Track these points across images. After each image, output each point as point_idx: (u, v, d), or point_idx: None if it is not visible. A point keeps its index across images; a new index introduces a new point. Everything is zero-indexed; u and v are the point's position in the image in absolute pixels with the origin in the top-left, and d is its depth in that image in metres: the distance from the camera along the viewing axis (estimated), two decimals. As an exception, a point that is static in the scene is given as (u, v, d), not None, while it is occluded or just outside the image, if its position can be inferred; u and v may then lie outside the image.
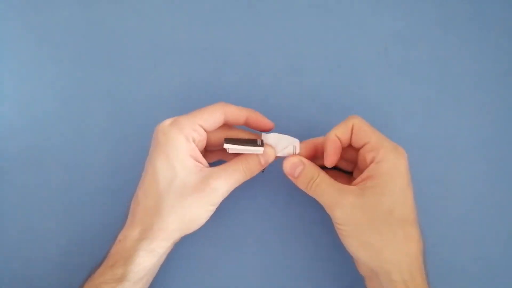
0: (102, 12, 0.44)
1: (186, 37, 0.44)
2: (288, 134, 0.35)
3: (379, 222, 0.31)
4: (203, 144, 0.35)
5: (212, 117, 0.34)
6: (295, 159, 0.34)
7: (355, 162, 0.37)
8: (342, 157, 0.36)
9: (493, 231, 0.40)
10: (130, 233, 0.32)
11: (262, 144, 0.34)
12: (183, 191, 0.32)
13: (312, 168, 0.34)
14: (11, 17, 0.44)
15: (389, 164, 0.31)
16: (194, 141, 0.33)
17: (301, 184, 0.34)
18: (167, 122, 0.33)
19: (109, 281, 0.31)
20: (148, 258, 0.32)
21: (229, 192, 0.34)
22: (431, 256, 0.40)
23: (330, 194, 0.32)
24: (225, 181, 0.33)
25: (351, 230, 0.32)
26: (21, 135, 0.42)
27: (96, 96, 0.43)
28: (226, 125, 0.36)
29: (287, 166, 0.34)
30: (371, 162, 0.32)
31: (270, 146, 0.35)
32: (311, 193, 0.33)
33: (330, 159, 0.34)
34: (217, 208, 0.34)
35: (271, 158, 0.35)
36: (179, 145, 0.32)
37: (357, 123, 0.33)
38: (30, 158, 0.41)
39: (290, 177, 0.34)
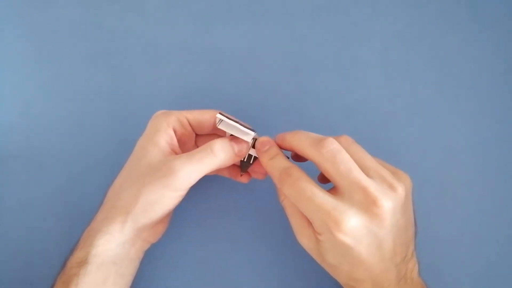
0: (102, 12, 0.44)
1: (186, 37, 0.44)
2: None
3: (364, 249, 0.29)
4: (187, 140, 0.35)
5: (201, 116, 0.34)
6: (265, 138, 0.33)
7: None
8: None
9: (493, 231, 0.40)
10: (96, 215, 0.33)
11: (255, 131, 0.33)
12: (146, 171, 0.31)
13: (297, 173, 0.31)
14: (11, 17, 0.44)
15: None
16: (175, 131, 0.33)
17: (272, 174, 0.32)
18: (162, 110, 0.35)
19: (74, 265, 0.30)
20: (106, 240, 0.31)
21: (195, 178, 0.32)
22: (431, 256, 0.40)
23: (314, 203, 0.29)
24: (188, 165, 0.31)
25: (327, 250, 0.30)
26: (21, 135, 0.42)
27: (96, 96, 0.43)
28: (216, 135, 0.36)
29: (257, 143, 0.33)
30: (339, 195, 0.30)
31: (246, 142, 0.33)
32: (293, 196, 0.31)
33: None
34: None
35: (244, 149, 0.33)
36: (158, 129, 0.33)
37: (320, 163, 0.30)
38: (30, 158, 0.41)
39: (258, 154, 0.33)
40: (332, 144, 0.30)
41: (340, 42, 0.43)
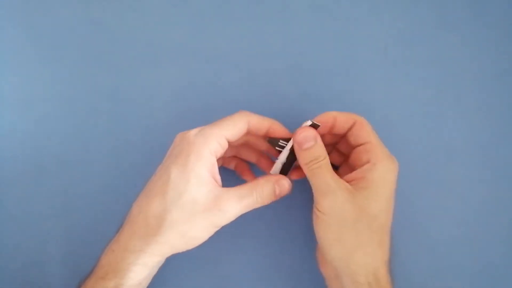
0: (102, 12, 0.44)
1: (186, 37, 0.44)
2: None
3: (361, 224, 0.31)
4: (221, 155, 0.34)
5: (236, 128, 0.33)
6: (310, 133, 0.33)
7: (345, 156, 0.37)
8: (335, 147, 0.37)
9: (493, 232, 0.40)
10: (125, 243, 0.31)
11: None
12: (191, 207, 0.30)
13: (321, 148, 0.33)
14: (11, 17, 0.44)
15: (383, 170, 0.32)
16: (216, 155, 0.32)
17: (303, 159, 0.33)
18: (194, 131, 0.32)
19: None
20: (141, 271, 0.31)
21: (237, 216, 0.32)
22: (431, 257, 0.40)
23: (327, 181, 0.32)
24: (235, 205, 0.31)
25: (332, 223, 0.31)
26: (22, 135, 0.42)
27: (96, 96, 0.43)
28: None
29: (299, 135, 0.33)
30: (366, 162, 0.32)
31: (287, 179, 0.34)
32: (308, 172, 0.33)
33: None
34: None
35: (285, 190, 0.34)
36: (201, 158, 0.31)
37: (360, 121, 0.34)
38: (30, 158, 0.41)
39: (297, 146, 0.33)
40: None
41: (340, 42, 0.43)
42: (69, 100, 0.43)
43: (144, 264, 0.31)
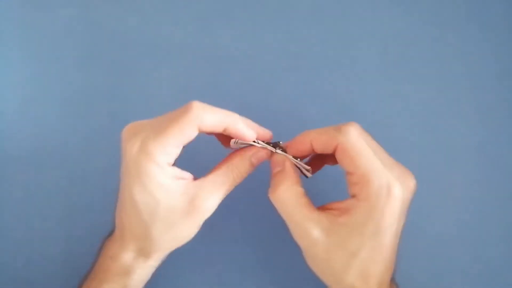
0: (102, 12, 0.44)
1: (186, 37, 0.44)
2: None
3: (337, 262, 0.28)
4: (178, 155, 0.30)
5: (184, 135, 0.28)
6: (279, 158, 0.31)
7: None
8: (325, 162, 0.33)
9: (493, 232, 0.40)
10: (122, 252, 0.31)
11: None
12: (170, 217, 0.29)
13: (286, 177, 0.30)
14: (11, 17, 0.44)
15: (369, 207, 0.27)
16: (169, 164, 0.29)
17: (270, 186, 0.30)
18: (134, 148, 0.28)
19: None
20: (144, 271, 0.32)
21: (219, 203, 0.31)
22: (431, 256, 0.40)
23: (295, 218, 0.29)
24: (215, 196, 0.30)
25: (309, 258, 0.30)
26: (21, 135, 0.42)
27: (96, 96, 0.43)
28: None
29: (271, 161, 0.31)
30: (353, 196, 0.28)
31: (261, 150, 0.31)
32: (274, 203, 0.30)
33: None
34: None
35: (262, 158, 0.32)
36: (153, 174, 0.28)
37: (342, 145, 0.28)
38: (30, 158, 0.41)
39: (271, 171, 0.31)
40: (353, 126, 0.28)
41: (340, 42, 0.43)
42: (69, 100, 0.43)
43: (146, 266, 0.31)
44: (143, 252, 0.30)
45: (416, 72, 0.43)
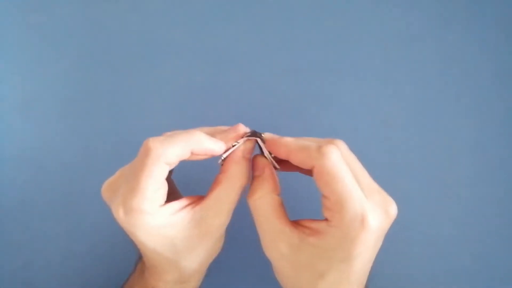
0: (102, 12, 0.44)
1: (186, 37, 0.44)
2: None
3: (304, 280, 0.27)
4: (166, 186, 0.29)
5: (155, 178, 0.27)
6: (260, 162, 0.30)
7: None
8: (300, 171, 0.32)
9: (493, 232, 0.40)
10: (160, 283, 0.31)
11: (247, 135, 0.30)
12: (191, 245, 0.29)
13: (262, 183, 0.29)
14: (11, 17, 0.44)
15: (339, 235, 0.26)
16: (160, 205, 0.28)
17: (249, 189, 0.30)
18: (121, 214, 0.27)
19: None
20: None
21: (231, 214, 0.30)
22: (431, 256, 0.40)
23: (262, 227, 0.28)
24: (222, 212, 0.29)
25: (277, 271, 0.29)
26: (21, 135, 0.42)
27: (96, 96, 0.43)
28: None
29: (253, 162, 0.31)
30: (325, 219, 0.27)
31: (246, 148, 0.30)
32: (249, 206, 0.29)
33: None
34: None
35: (251, 145, 0.30)
36: (152, 223, 0.27)
37: (319, 168, 0.26)
38: (30, 158, 0.41)
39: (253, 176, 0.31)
40: (335, 150, 0.27)
41: (340, 42, 0.43)
42: (69, 100, 0.43)
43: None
44: (183, 279, 0.31)
45: (416, 72, 0.43)
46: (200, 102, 0.42)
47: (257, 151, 0.32)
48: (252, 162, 0.31)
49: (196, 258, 0.30)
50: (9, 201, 0.41)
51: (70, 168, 0.41)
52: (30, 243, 0.40)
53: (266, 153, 0.30)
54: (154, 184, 0.27)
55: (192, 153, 0.28)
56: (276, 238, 0.28)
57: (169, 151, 0.27)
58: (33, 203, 0.41)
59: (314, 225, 0.27)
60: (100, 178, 0.41)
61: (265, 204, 0.28)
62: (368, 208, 0.25)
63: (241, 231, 0.40)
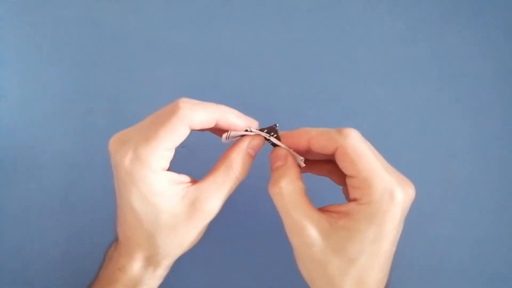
0: (102, 12, 0.44)
1: (186, 37, 0.44)
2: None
3: (334, 267, 0.27)
4: (172, 158, 0.29)
5: (175, 136, 0.27)
6: (281, 152, 0.30)
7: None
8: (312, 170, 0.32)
9: (493, 231, 0.40)
10: (130, 263, 0.30)
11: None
12: (173, 223, 0.28)
13: (287, 172, 0.29)
14: (11, 17, 0.44)
15: (371, 211, 0.26)
16: (164, 169, 0.28)
17: (270, 181, 0.29)
18: (127, 158, 0.27)
19: None
20: (153, 281, 0.31)
21: (223, 203, 0.30)
22: (431, 256, 0.40)
23: (293, 215, 0.27)
24: (216, 198, 0.29)
25: (303, 260, 0.29)
26: (21, 135, 0.42)
27: (96, 96, 0.43)
28: None
29: (271, 154, 0.30)
30: (354, 200, 0.27)
31: (254, 137, 0.30)
32: (273, 199, 0.29)
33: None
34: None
35: (259, 146, 0.30)
36: (150, 182, 0.27)
37: (343, 148, 0.27)
38: (30, 158, 0.41)
39: (270, 164, 0.30)
40: (354, 131, 0.28)
41: (340, 42, 0.43)
42: (69, 100, 0.43)
43: (155, 276, 0.31)
44: (151, 261, 0.30)
45: (416, 72, 0.43)
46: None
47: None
48: (272, 155, 0.30)
49: (174, 240, 0.29)
50: (9, 201, 0.41)
51: (70, 168, 0.41)
52: (30, 243, 0.40)
53: (288, 150, 0.30)
54: (171, 142, 0.27)
55: (215, 124, 0.28)
56: (305, 224, 0.27)
57: (197, 114, 0.27)
58: (33, 203, 0.41)
59: (342, 208, 0.27)
60: (100, 178, 0.41)
61: (292, 192, 0.28)
62: (394, 183, 0.26)
63: (241, 231, 0.40)
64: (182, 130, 0.27)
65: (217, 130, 0.31)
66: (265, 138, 0.31)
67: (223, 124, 0.29)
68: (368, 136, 0.41)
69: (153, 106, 0.42)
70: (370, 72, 0.43)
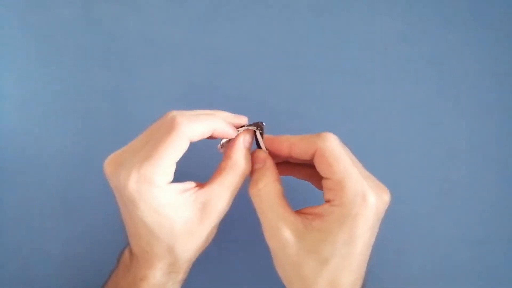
0: (102, 12, 0.44)
1: (186, 37, 0.44)
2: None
3: (307, 268, 0.27)
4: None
5: (177, 152, 0.28)
6: (261, 155, 0.31)
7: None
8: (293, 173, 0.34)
9: (493, 231, 0.40)
10: (151, 272, 0.30)
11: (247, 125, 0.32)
12: (189, 228, 0.29)
13: (265, 174, 0.30)
14: (11, 17, 0.44)
15: (343, 213, 0.27)
16: (168, 182, 0.28)
17: (251, 181, 0.31)
18: (132, 180, 0.27)
19: None
20: (176, 286, 0.31)
21: (232, 201, 0.31)
22: (431, 256, 0.40)
23: (270, 217, 0.28)
24: (225, 197, 0.30)
25: (279, 261, 0.30)
26: (21, 135, 0.42)
27: (96, 96, 0.43)
28: None
29: (252, 156, 0.31)
30: (328, 201, 0.28)
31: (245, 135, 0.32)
32: (252, 199, 0.30)
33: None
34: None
35: (250, 136, 0.32)
36: (159, 197, 0.27)
37: (321, 151, 0.28)
38: (30, 158, 0.41)
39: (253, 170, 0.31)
40: (333, 135, 0.29)
41: (340, 42, 0.43)
42: (69, 99, 0.43)
43: (178, 281, 0.32)
44: (173, 269, 0.30)
45: (416, 72, 0.43)
46: (200, 102, 0.42)
47: (254, 148, 0.33)
48: (252, 156, 0.31)
49: (192, 244, 0.30)
50: (9, 201, 0.41)
51: (70, 168, 0.41)
52: (30, 243, 0.40)
53: (263, 147, 0.32)
54: (173, 157, 0.27)
55: (211, 135, 0.30)
56: (281, 226, 0.28)
57: (196, 128, 0.28)
58: (33, 203, 0.41)
59: (316, 210, 0.28)
60: (100, 178, 0.41)
61: (269, 193, 0.29)
62: (367, 187, 0.27)
63: (240, 232, 0.40)
64: (183, 144, 0.28)
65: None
66: (254, 133, 0.32)
67: (218, 133, 0.30)
68: (368, 136, 0.41)
69: (153, 106, 0.42)
70: (370, 73, 0.43)
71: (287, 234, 0.28)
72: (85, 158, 0.41)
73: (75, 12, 0.44)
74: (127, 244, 0.33)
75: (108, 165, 0.29)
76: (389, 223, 0.40)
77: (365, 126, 0.42)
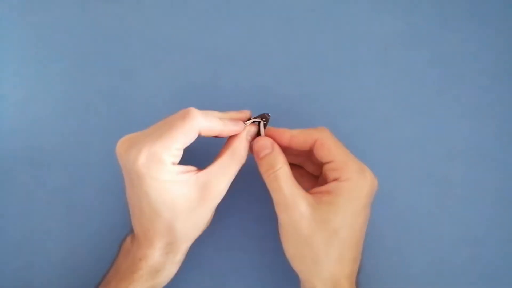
0: (102, 12, 0.44)
1: (186, 37, 0.44)
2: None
3: (318, 239, 0.30)
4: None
5: (187, 138, 0.30)
6: (266, 141, 0.33)
7: (321, 167, 0.36)
8: (308, 159, 0.36)
9: (493, 231, 0.40)
10: (151, 252, 0.32)
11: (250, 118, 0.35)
12: (190, 206, 0.31)
13: (278, 157, 0.33)
14: (11, 17, 0.44)
15: (350, 186, 0.31)
16: (174, 163, 0.31)
17: (261, 167, 0.33)
18: (142, 156, 0.29)
19: None
20: (173, 266, 0.34)
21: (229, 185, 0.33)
22: (431, 256, 0.40)
23: (283, 193, 0.31)
24: (224, 180, 0.32)
25: (290, 238, 0.32)
26: (21, 135, 0.42)
27: (95, 96, 0.43)
28: None
29: (256, 144, 0.34)
30: (334, 180, 0.32)
31: (250, 125, 0.35)
32: (267, 182, 0.33)
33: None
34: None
35: (254, 129, 0.35)
36: (165, 174, 0.30)
37: (320, 140, 0.33)
38: (30, 158, 0.41)
39: (255, 155, 0.34)
40: (328, 129, 0.34)
41: (340, 42, 0.43)
42: (68, 100, 0.43)
43: (176, 261, 0.34)
44: (171, 248, 0.32)
45: (416, 72, 0.43)
46: (201, 102, 0.42)
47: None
48: (258, 144, 0.34)
49: (191, 223, 0.32)
50: (9, 201, 0.41)
51: (70, 168, 0.41)
52: (30, 243, 0.40)
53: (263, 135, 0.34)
54: (183, 142, 0.30)
55: (218, 134, 0.33)
56: (297, 200, 0.31)
57: (207, 122, 0.31)
58: (33, 203, 0.41)
59: (324, 188, 0.32)
60: (100, 177, 0.41)
61: (285, 172, 0.32)
62: (363, 165, 0.32)
63: (238, 233, 0.40)
64: (193, 133, 0.30)
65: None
66: (258, 125, 0.35)
67: (226, 131, 0.33)
68: (368, 136, 0.41)
69: (153, 106, 0.43)
70: (370, 72, 0.43)
71: (303, 207, 0.31)
72: (85, 158, 0.41)
73: (75, 12, 0.44)
74: (128, 232, 0.35)
75: (121, 144, 0.31)
76: (389, 223, 0.40)
77: (365, 126, 0.42)
